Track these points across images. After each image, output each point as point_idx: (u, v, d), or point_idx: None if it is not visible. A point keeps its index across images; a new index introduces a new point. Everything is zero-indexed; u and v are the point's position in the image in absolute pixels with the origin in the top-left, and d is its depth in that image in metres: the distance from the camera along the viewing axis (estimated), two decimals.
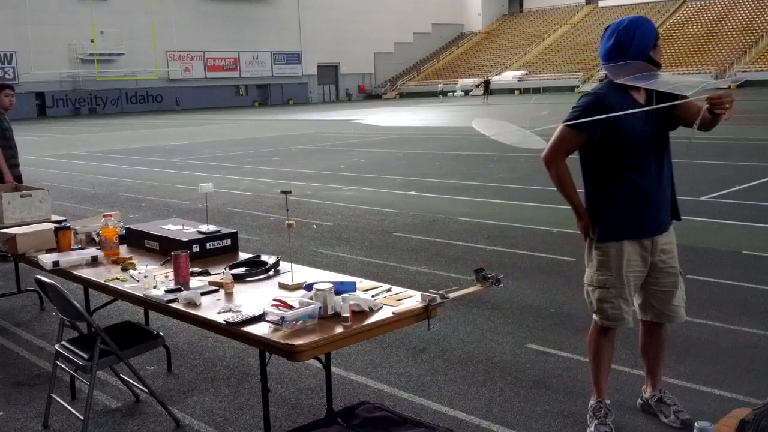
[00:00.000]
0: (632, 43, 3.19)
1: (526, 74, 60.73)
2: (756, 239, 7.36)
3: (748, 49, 52.75)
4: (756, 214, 8.47)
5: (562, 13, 70.90)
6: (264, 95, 63.95)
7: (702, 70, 51.83)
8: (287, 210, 3.62)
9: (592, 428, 3.43)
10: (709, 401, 3.76)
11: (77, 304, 3.46)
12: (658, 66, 3.25)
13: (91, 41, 52.37)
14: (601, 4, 69.33)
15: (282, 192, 3.53)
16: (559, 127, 3.32)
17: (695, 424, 1.59)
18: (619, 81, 3.13)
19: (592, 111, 3.19)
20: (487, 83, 49.78)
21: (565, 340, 4.76)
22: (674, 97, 3.13)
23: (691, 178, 10.85)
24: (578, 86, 54.16)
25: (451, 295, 3.13)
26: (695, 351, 4.46)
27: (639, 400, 3.71)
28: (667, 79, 3.13)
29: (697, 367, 4.21)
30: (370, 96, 68.45)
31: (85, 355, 3.54)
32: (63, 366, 3.91)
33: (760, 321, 4.92)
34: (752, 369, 4.15)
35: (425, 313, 3.07)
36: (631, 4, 64.62)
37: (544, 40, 67.28)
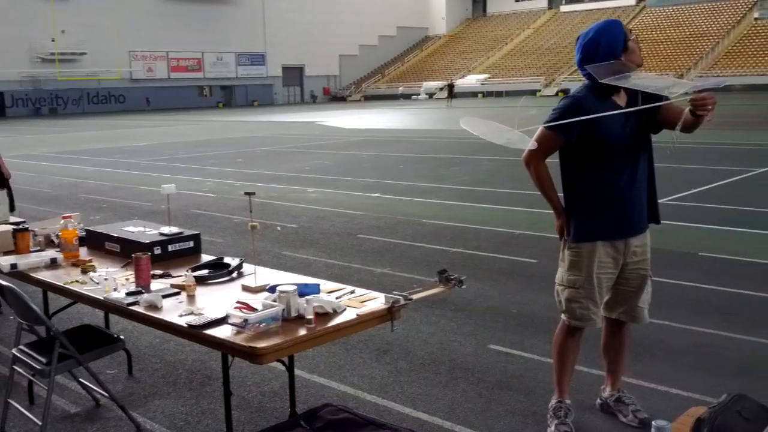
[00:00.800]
0: (598, 53, 3.22)
1: (489, 78, 61.21)
2: (712, 241, 7.53)
3: (704, 55, 53.89)
4: (712, 216, 8.67)
5: (525, 17, 71.64)
6: (228, 96, 63.47)
7: (661, 75, 52.72)
8: (251, 211, 3.62)
9: (553, 428, 3.48)
10: (666, 400, 3.84)
11: (35, 308, 3.41)
12: (638, 66, 3.26)
13: (53, 40, 51.45)
14: (562, 9, 70.22)
15: (246, 193, 3.53)
16: (539, 128, 3.35)
17: (653, 422, 1.63)
18: (603, 81, 3.10)
19: (569, 114, 3.22)
20: (451, 86, 50.11)
21: (526, 340, 4.82)
22: (657, 98, 3.13)
23: None
24: (540, 90, 54.79)
25: (415, 297, 3.15)
26: (652, 350, 4.55)
27: (598, 400, 3.77)
28: (648, 80, 3.14)
29: (653, 367, 4.29)
30: (335, 98, 68.36)
31: (43, 360, 3.49)
32: (20, 370, 3.84)
33: (714, 321, 5.04)
34: (707, 368, 4.25)
35: (389, 314, 3.08)
36: (591, 10, 65.64)
37: (507, 44, 67.91)
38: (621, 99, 3.31)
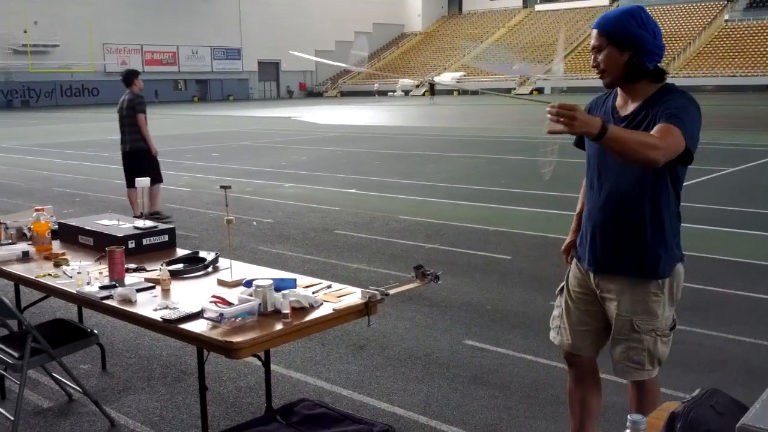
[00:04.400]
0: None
1: (465, 76, 61.42)
2: (684, 239, 7.57)
3: (676, 56, 54.52)
4: (684, 214, 8.74)
5: (500, 16, 71.92)
6: (203, 90, 62.96)
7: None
8: (227, 206, 3.59)
9: None
10: None
11: (7, 301, 3.36)
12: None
13: (25, 32, 50.61)
14: (537, 8, 70.61)
15: (221, 187, 3.50)
16: None
17: (628, 416, 1.65)
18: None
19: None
20: (432, 84, 50.22)
21: (501, 336, 4.85)
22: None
23: None
24: (515, 89, 55.06)
25: (391, 292, 3.16)
26: None
27: None
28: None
29: None
30: (311, 93, 68.15)
31: (15, 354, 3.44)
32: None
33: (686, 318, 5.10)
34: (679, 364, 4.31)
35: (365, 309, 3.08)
36: (566, 9, 66.08)
37: (482, 42, 68.13)
38: (622, 100, 2.80)
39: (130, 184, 8.92)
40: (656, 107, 2.62)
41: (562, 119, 2.36)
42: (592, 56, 2.72)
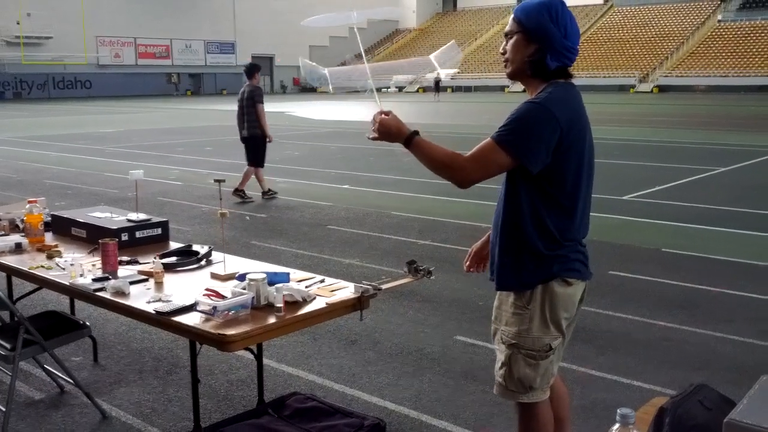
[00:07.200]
0: None
1: (458, 73, 61.38)
2: (674, 237, 7.67)
3: (669, 55, 54.69)
4: (675, 213, 8.82)
5: (495, 13, 71.89)
6: (197, 84, 62.77)
7: (627, 74, 53.48)
8: (221, 199, 3.60)
9: None
10: (629, 392, 3.92)
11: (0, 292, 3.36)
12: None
13: (17, 23, 50.32)
14: None
15: (215, 180, 3.51)
16: None
17: (618, 410, 1.66)
18: None
19: None
20: (437, 81, 50.07)
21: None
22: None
23: (614, 178, 11.22)
24: (508, 86, 55.10)
25: (384, 287, 3.17)
26: (616, 344, 4.63)
27: None
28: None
29: (617, 359, 4.37)
30: (305, 89, 68.00)
31: (7, 345, 3.44)
32: None
33: (675, 315, 5.15)
34: (668, 361, 4.35)
35: (358, 303, 3.10)
36: None
37: (476, 39, 68.14)
38: None
39: (251, 163, 10.15)
40: None
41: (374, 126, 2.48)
42: (504, 42, 2.53)
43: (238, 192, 9.99)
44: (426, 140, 2.49)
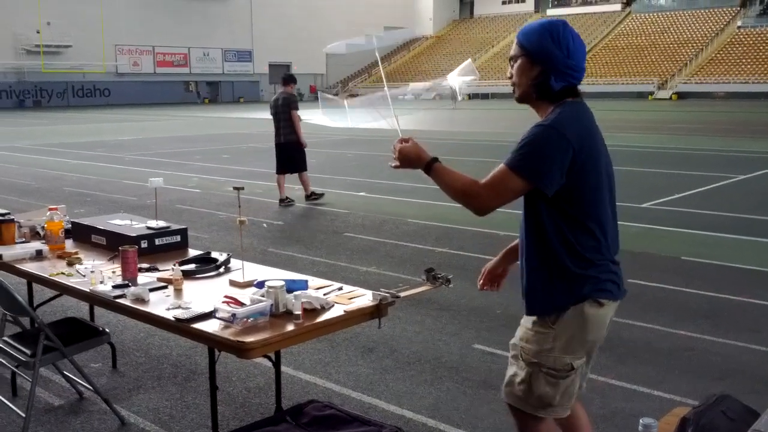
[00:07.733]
0: None
1: (476, 80, 61.35)
2: (695, 245, 7.60)
3: (688, 62, 54.33)
4: (694, 221, 8.75)
5: (512, 20, 71.81)
6: (214, 92, 63.13)
7: (646, 81, 53.19)
8: (239, 206, 3.61)
9: None
10: (649, 402, 3.88)
11: (20, 299, 3.39)
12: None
13: (38, 32, 50.93)
14: (549, 12, 70.50)
15: (234, 188, 3.52)
16: None
17: (640, 420, 1.65)
18: None
19: None
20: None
21: (510, 340, 4.83)
22: None
23: (633, 186, 11.15)
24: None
25: (402, 294, 3.16)
26: (636, 352, 4.59)
27: None
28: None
29: (637, 368, 4.33)
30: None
31: (27, 351, 3.47)
32: (4, 362, 3.82)
33: (698, 324, 5.09)
34: (689, 371, 4.30)
35: (377, 311, 3.09)
36: (578, 14, 65.88)
37: (493, 46, 68.10)
38: None
39: (281, 171, 10.46)
40: None
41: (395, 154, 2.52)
42: (509, 67, 2.56)
43: (311, 197, 10.48)
44: (445, 167, 2.55)
